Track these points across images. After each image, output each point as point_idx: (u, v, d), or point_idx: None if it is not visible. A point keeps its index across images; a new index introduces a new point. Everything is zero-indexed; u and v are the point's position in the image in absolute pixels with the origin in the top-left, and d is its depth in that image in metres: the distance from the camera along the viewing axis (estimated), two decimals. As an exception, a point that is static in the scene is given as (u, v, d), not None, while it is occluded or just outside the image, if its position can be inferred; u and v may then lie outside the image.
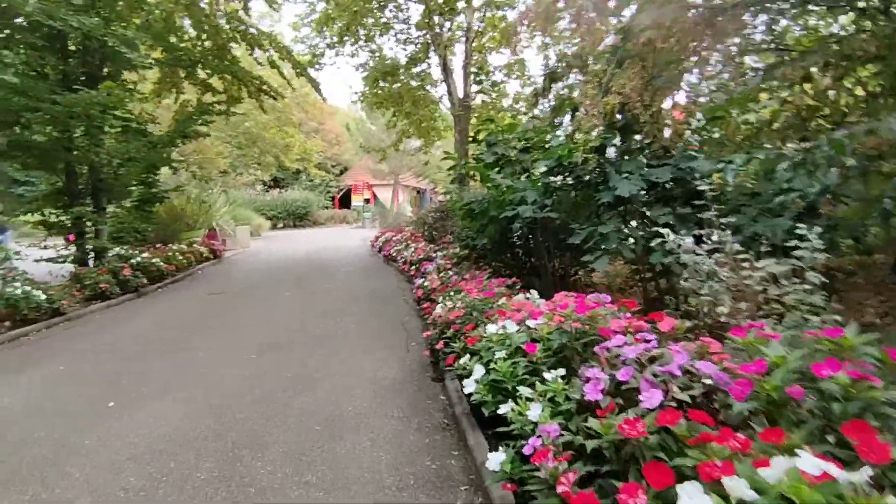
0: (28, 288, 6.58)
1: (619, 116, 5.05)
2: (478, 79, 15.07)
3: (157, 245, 12.08)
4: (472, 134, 11.31)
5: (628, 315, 3.12)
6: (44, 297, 6.66)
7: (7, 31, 8.23)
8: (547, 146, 5.69)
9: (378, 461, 3.05)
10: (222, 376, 4.56)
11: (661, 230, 3.77)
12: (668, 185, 4.71)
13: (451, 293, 5.35)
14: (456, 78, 14.99)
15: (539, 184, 5.25)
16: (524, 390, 2.37)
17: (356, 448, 3.22)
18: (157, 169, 10.97)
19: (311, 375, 4.52)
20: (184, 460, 3.11)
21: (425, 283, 6.62)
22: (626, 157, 4.73)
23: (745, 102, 4.86)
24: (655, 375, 1.74)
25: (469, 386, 2.85)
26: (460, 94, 15.09)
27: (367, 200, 33.35)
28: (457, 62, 15.38)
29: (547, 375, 2.38)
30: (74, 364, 5.12)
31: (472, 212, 7.00)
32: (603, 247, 4.29)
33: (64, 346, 5.87)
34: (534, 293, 4.40)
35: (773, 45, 6.12)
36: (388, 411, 3.78)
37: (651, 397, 1.61)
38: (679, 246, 3.34)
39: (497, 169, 6.39)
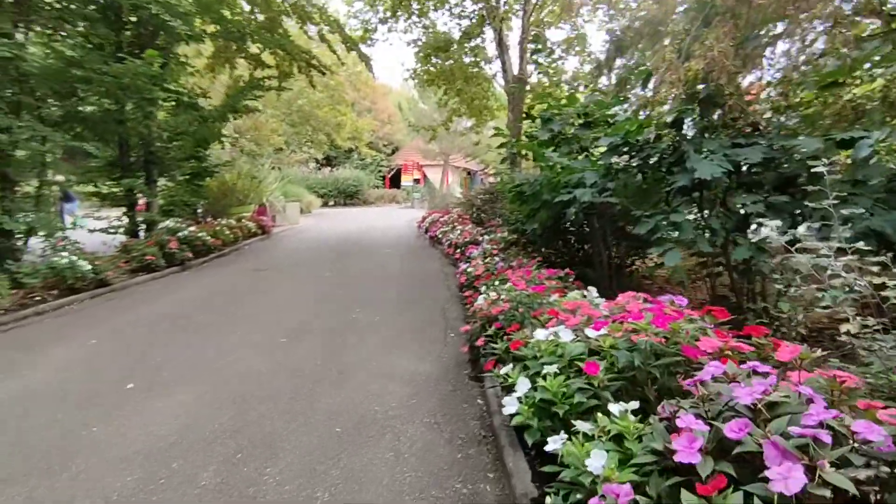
0: (74, 258, 6.57)
1: (699, 87, 4.28)
2: (534, 54, 14.19)
3: (207, 219, 12.16)
4: (525, 110, 10.60)
5: (712, 327, 2.50)
6: (89, 267, 6.64)
7: (64, 2, 8.23)
8: (611, 121, 4.99)
9: (401, 480, 2.61)
10: (249, 366, 4.25)
11: (763, 221, 3.07)
12: (754, 169, 3.95)
13: (496, 282, 4.81)
14: (511, 54, 14.19)
15: (599, 164, 4.58)
16: (582, 425, 1.82)
17: (378, 461, 2.79)
18: (208, 143, 10.93)
19: (341, 366, 4.14)
20: (192, 461, 2.78)
21: (469, 269, 6.11)
22: (707, 135, 3.99)
23: (863, 64, 3.95)
24: (786, 436, 1.17)
25: (510, 405, 2.32)
26: (515, 70, 14.28)
27: (416, 180, 33.05)
28: (513, 37, 14.57)
29: (613, 407, 1.82)
30: (106, 340, 4.98)
31: (521, 194, 6.40)
32: (676, 237, 3.62)
33: (104, 317, 5.80)
34: (592, 291, 3.81)
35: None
36: (418, 415, 3.32)
37: (786, 478, 1.04)
38: (793, 241, 2.63)
39: (552, 147, 5.74)
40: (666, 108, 4.97)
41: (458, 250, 8.99)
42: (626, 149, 4.30)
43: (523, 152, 7.83)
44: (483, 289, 4.53)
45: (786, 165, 3.82)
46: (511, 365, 2.77)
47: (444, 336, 4.97)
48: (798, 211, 3.52)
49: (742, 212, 3.93)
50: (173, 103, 10.09)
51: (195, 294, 6.94)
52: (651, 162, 4.41)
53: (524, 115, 5.87)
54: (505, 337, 3.32)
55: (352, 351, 4.53)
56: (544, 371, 2.33)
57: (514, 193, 6.67)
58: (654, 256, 7.25)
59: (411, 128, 16.56)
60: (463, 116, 17.25)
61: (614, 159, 4.50)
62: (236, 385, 3.81)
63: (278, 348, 4.61)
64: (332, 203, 30.86)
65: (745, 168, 4.01)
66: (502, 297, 4.08)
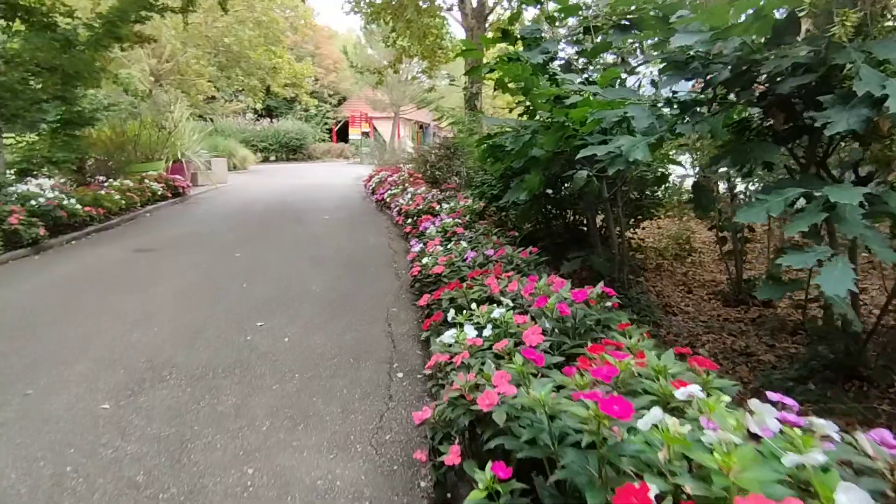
0: None
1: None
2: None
3: (97, 180, 9.46)
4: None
5: None
6: None
7: None
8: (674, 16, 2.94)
9: None
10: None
11: None
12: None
13: (472, 296, 2.87)
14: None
15: (649, 99, 2.62)
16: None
17: None
18: (82, 80, 8.13)
19: (188, 485, 2.13)
20: None
21: (425, 259, 4.11)
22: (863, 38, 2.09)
23: None
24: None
25: None
26: (475, 2, 11.90)
27: (365, 134, 30.13)
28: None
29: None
30: None
31: (496, 149, 4.42)
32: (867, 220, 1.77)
33: None
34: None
35: None
36: None
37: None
38: None
39: (547, 78, 3.72)
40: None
41: (410, 221, 6.96)
42: (708, 67, 2.32)
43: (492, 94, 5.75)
44: (452, 314, 2.56)
45: None
46: None
47: (388, 379, 3.02)
48: None
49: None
50: (25, 23, 7.27)
51: (9, 300, 4.61)
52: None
53: (499, 36, 3.71)
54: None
55: (220, 437, 2.48)
56: None
57: (484, 148, 4.67)
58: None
59: (354, 70, 13.93)
60: (414, 59, 14.76)
61: (678, 93, 2.54)
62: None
63: (83, 436, 2.52)
64: (273, 158, 27.64)
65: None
66: (490, 336, 2.17)
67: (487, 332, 2.30)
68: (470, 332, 2.30)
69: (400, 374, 3.06)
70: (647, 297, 4.84)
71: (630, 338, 1.89)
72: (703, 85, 2.42)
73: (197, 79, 21.44)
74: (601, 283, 2.36)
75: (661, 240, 7.50)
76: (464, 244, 4.09)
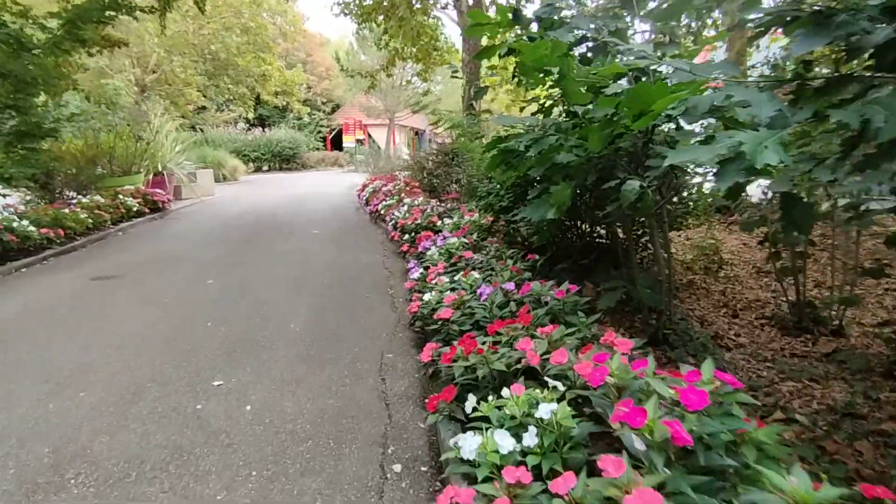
0: None
1: None
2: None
3: (63, 197, 8.59)
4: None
5: None
6: None
7: None
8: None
9: None
10: None
11: None
12: None
13: (496, 365, 2.01)
14: (465, -24, 10.96)
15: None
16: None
17: None
18: (37, 88, 7.26)
19: None
20: None
21: (427, 297, 3.24)
22: None
23: None
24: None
25: None
26: (471, 0, 11.12)
27: (360, 141, 29.30)
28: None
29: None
30: None
31: (509, 154, 3.61)
32: None
33: None
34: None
35: None
36: None
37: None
38: None
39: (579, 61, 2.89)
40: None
41: (407, 237, 6.10)
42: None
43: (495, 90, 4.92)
44: (472, 404, 1.70)
45: None
46: None
47: (380, 476, 2.15)
48: None
49: None
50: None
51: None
52: None
53: (509, 16, 2.83)
54: None
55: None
56: None
57: (493, 154, 3.84)
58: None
59: (345, 74, 13.10)
60: (408, 61, 13.93)
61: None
62: None
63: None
64: (265, 168, 26.77)
65: None
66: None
67: (530, 439, 1.45)
68: (503, 441, 1.44)
69: (397, 467, 2.20)
70: (689, 324, 4.00)
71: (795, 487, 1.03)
72: (844, 53, 1.59)
73: (185, 88, 20.62)
74: (711, 366, 1.50)
75: (686, 251, 6.67)
76: (475, 275, 3.23)
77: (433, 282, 3.46)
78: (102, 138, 10.39)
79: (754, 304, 5.06)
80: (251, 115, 25.20)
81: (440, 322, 2.71)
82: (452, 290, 3.17)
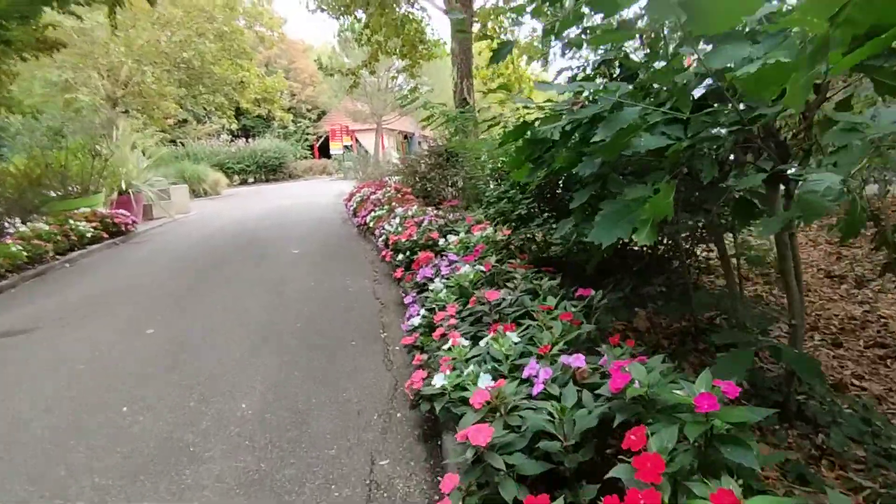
0: None
1: None
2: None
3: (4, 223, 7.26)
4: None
5: None
6: None
7: None
8: None
9: None
10: None
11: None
12: None
13: None
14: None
15: None
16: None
17: None
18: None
19: None
20: None
21: (440, 381, 1.97)
22: None
23: None
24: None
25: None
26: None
27: (347, 147, 28.00)
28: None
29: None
30: None
31: (537, 147, 2.42)
32: None
33: None
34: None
35: None
36: None
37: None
38: None
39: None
40: None
41: (402, 257, 4.84)
42: None
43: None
44: None
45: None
46: None
47: None
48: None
49: None
50: None
51: None
52: None
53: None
54: None
55: None
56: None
57: (520, 146, 2.64)
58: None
59: (325, 72, 11.83)
60: (393, 58, 12.66)
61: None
62: None
63: None
64: (251, 180, 25.39)
65: None
66: None
67: None
68: None
69: None
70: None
71: None
72: None
73: (160, 100, 19.24)
74: None
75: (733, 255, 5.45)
76: (512, 339, 1.97)
77: (444, 342, 2.23)
78: (55, 156, 9.05)
79: (850, 325, 3.86)
80: (234, 126, 23.80)
81: (474, 450, 1.45)
82: (479, 362, 1.94)
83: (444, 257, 3.87)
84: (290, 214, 11.41)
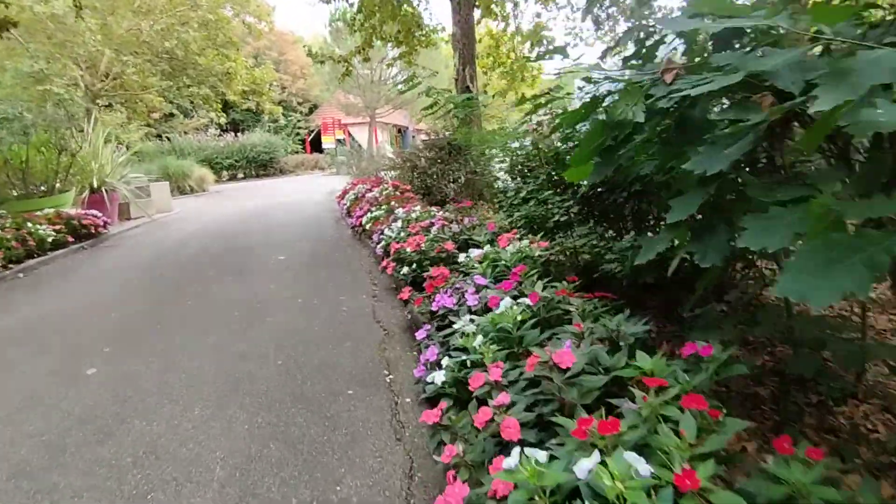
0: None
1: None
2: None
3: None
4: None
5: None
6: None
7: None
8: None
9: None
10: None
11: None
12: None
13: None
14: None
15: None
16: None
17: None
18: None
19: None
20: None
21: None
22: None
23: None
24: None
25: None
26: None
27: (340, 141, 26.94)
28: None
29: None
30: None
31: (619, 129, 1.49)
32: None
33: None
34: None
35: None
36: None
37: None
38: None
39: None
40: None
41: (407, 270, 3.95)
42: None
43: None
44: None
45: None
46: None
47: None
48: None
49: None
50: None
51: None
52: None
53: None
54: None
55: None
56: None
57: (592, 131, 1.72)
58: None
59: (315, 60, 10.84)
60: (387, 45, 11.67)
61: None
62: None
63: None
64: (241, 176, 24.29)
65: None
66: None
67: None
68: None
69: None
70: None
71: None
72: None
73: (142, 93, 18.12)
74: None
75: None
76: (638, 466, 1.12)
77: (490, 430, 1.36)
78: (12, 151, 8.02)
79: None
80: (223, 121, 22.62)
81: None
82: (569, 496, 1.07)
83: (460, 274, 2.98)
84: (278, 213, 10.46)
